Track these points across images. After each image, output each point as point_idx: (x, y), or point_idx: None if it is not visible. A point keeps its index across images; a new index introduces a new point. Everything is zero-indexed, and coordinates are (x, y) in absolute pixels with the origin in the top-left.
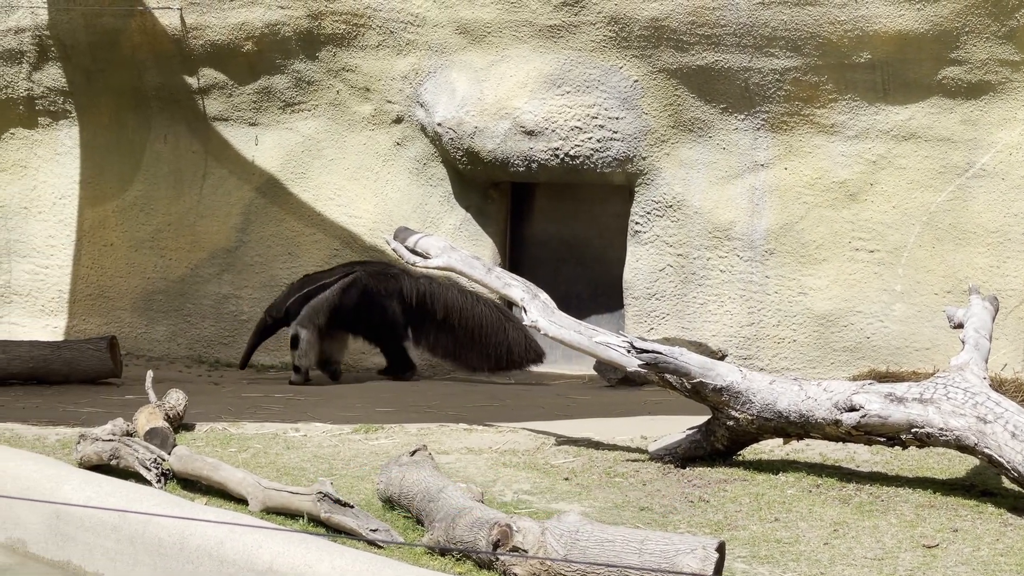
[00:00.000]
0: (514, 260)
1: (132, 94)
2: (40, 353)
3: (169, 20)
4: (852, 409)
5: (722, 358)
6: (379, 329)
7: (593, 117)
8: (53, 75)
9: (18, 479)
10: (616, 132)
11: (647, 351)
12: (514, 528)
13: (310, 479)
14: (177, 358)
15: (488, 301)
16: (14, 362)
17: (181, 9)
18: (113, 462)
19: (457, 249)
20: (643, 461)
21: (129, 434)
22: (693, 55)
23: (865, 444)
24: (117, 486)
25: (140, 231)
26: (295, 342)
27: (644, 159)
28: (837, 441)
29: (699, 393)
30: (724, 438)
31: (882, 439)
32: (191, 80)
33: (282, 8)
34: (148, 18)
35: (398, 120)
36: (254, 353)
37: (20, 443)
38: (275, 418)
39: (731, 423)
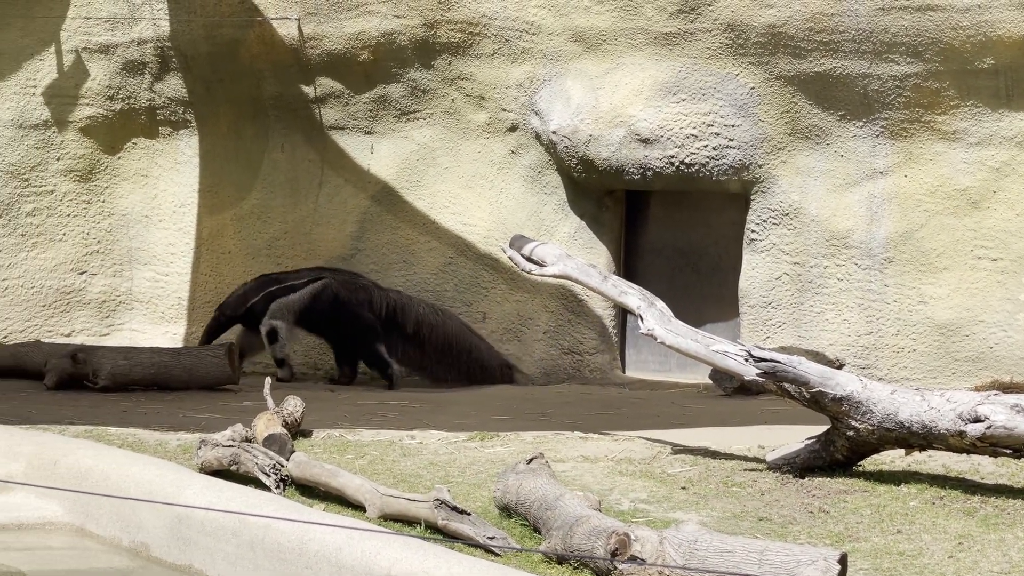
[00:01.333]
0: (629, 268)
1: (250, 104)
2: (161, 359)
3: (287, 30)
4: (977, 420)
5: (840, 367)
6: (350, 335)
7: (709, 125)
8: (174, 85)
9: (141, 483)
10: (732, 140)
11: (765, 360)
12: (632, 537)
13: (427, 486)
14: (295, 365)
15: (456, 317)
16: (136, 368)
17: (299, 19)
18: (233, 467)
19: (573, 257)
20: (761, 471)
21: (248, 440)
22: (811, 62)
23: (990, 456)
24: (237, 491)
25: (257, 239)
26: (273, 336)
27: (760, 167)
28: (961, 453)
29: (818, 403)
30: (844, 448)
31: (1008, 451)
32: (308, 89)
33: (398, 17)
34: (267, 28)
35: (513, 128)
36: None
37: (143, 448)
38: (391, 425)
39: (851, 433)
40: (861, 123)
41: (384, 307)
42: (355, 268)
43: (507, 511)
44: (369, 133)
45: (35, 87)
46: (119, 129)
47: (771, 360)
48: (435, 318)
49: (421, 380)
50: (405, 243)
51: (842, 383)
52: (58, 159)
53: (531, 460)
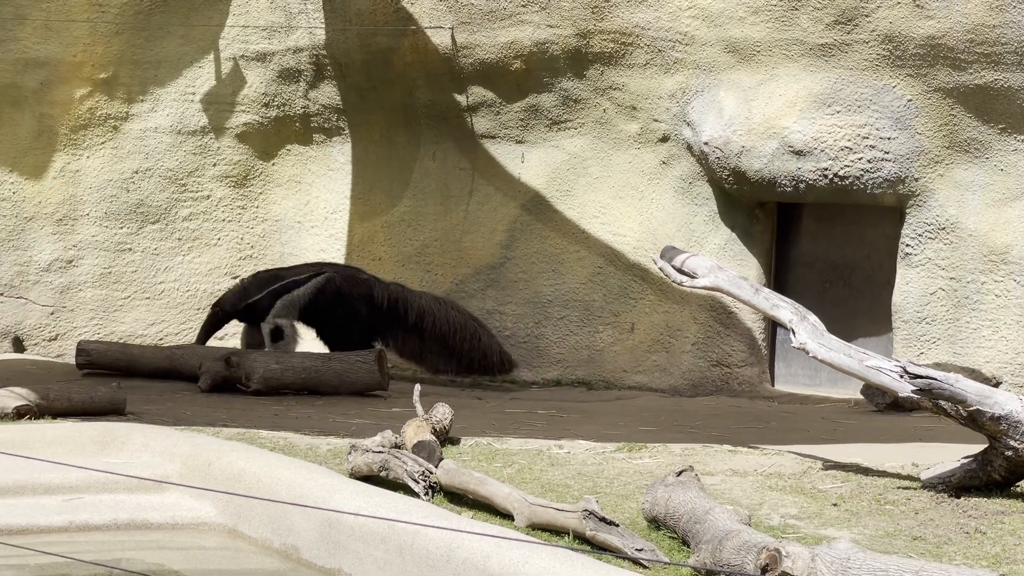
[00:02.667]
0: (779, 281)
1: (403, 112)
2: (312, 364)
3: (440, 39)
4: None
5: (996, 385)
6: (347, 329)
7: (864, 137)
8: (328, 93)
9: (292, 487)
10: (888, 152)
11: (921, 376)
12: (783, 553)
13: (574, 496)
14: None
15: (461, 308)
16: (287, 372)
17: (452, 28)
18: (382, 473)
19: (724, 269)
20: (915, 489)
21: (397, 446)
22: (970, 74)
23: None
24: (386, 497)
25: (407, 246)
26: (278, 334)
27: (916, 180)
28: None
29: (975, 421)
30: (1002, 468)
31: None
32: (460, 98)
33: (551, 27)
34: (420, 37)
35: (664, 139)
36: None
37: (293, 452)
38: (538, 434)
39: (1009, 453)
40: (1022, 137)
41: (386, 300)
42: (505, 275)
43: (655, 523)
44: (520, 142)
45: (194, 94)
46: (274, 136)
47: (927, 377)
48: (438, 309)
49: (419, 371)
50: (554, 252)
51: (1000, 402)
52: (214, 165)
53: (680, 472)
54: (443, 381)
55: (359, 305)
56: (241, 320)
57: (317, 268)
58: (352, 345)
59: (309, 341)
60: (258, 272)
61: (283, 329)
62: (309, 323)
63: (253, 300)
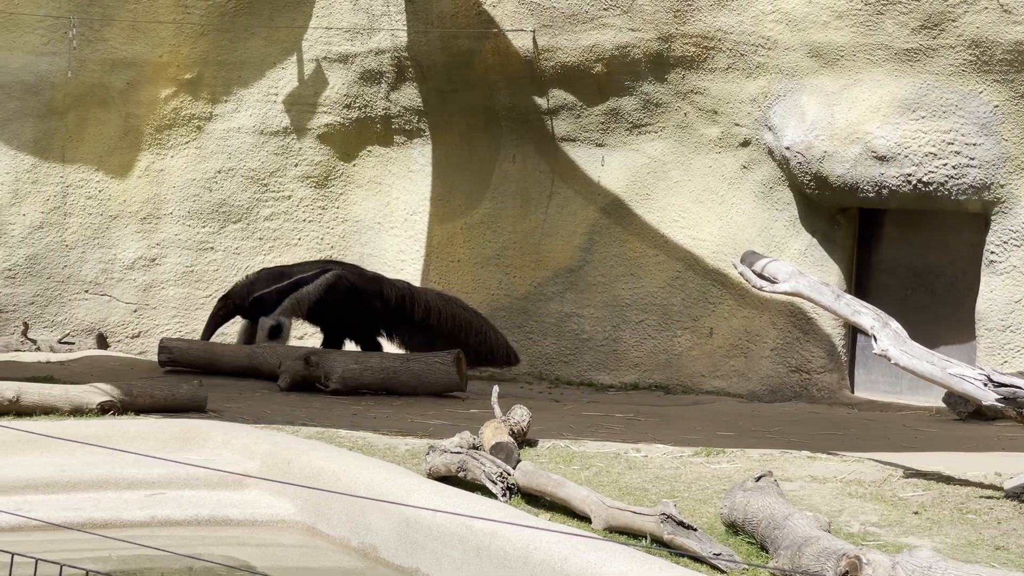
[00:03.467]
0: (860, 287)
1: (483, 114)
2: (390, 365)
3: (522, 42)
4: None
5: None
6: (356, 325)
7: (949, 143)
8: (409, 95)
9: (371, 486)
10: (973, 159)
11: (1006, 385)
12: (863, 560)
13: (652, 500)
14: (518, 374)
15: (466, 305)
16: (366, 372)
17: (534, 31)
18: (460, 474)
19: (805, 275)
20: (998, 499)
21: (475, 447)
22: None
23: None
24: (464, 498)
25: (486, 248)
26: (277, 332)
27: (1002, 187)
28: None
29: None
30: None
31: None
32: (540, 101)
33: (633, 31)
34: (502, 40)
35: (745, 143)
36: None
37: (372, 451)
38: (616, 437)
39: None
40: None
41: (394, 296)
42: (584, 278)
43: (733, 528)
44: (600, 145)
45: (276, 95)
46: (355, 137)
47: (1011, 385)
48: (443, 305)
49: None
50: (633, 256)
51: None
52: (296, 165)
53: (759, 478)
54: (521, 383)
55: (372, 301)
56: (244, 315)
57: (323, 265)
58: (361, 341)
59: (310, 338)
60: (265, 268)
61: (282, 327)
62: (315, 320)
63: (260, 295)
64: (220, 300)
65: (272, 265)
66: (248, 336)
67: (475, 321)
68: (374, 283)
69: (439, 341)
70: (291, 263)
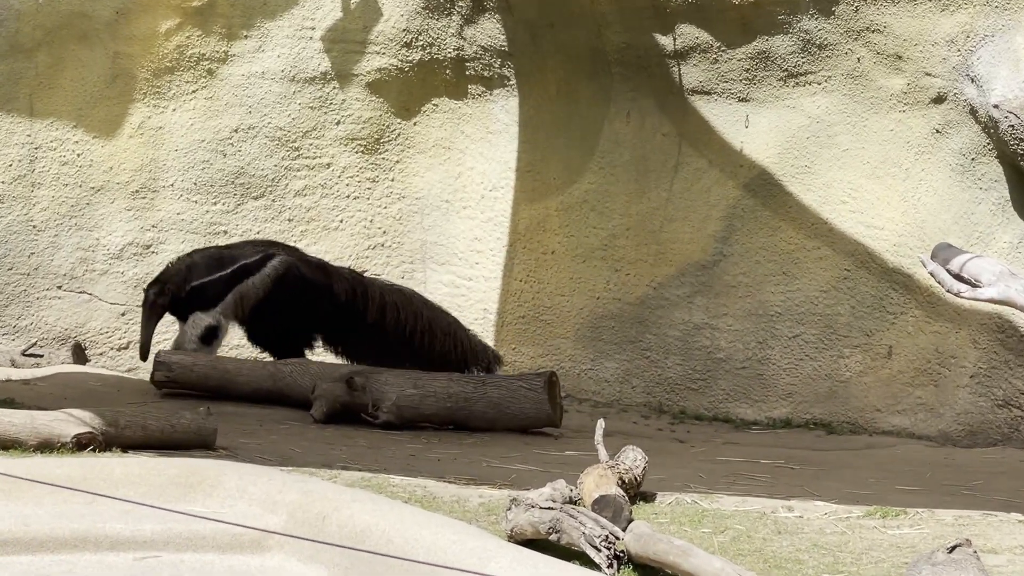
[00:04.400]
0: None
1: (588, 57)
2: (460, 390)
3: None
4: None
5: None
6: (295, 331)
7: None
8: (489, 31)
9: (433, 551)
10: None
11: None
12: None
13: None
14: (631, 405)
15: (430, 303)
16: (427, 400)
17: None
18: (552, 537)
19: (1018, 276)
20: None
21: (572, 501)
22: None
23: None
24: (558, 569)
25: (590, 236)
26: (213, 334)
27: None
28: None
29: None
30: None
31: None
32: (665, 40)
33: None
34: None
35: (938, 99)
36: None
37: (435, 505)
38: (761, 491)
39: None
40: None
41: (344, 291)
42: (720, 278)
43: None
44: (744, 100)
45: (312, 29)
46: (416, 86)
47: None
48: (402, 301)
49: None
50: (786, 249)
51: None
52: (337, 123)
53: (953, 548)
54: (635, 415)
55: (320, 299)
56: (174, 310)
57: (263, 248)
58: (294, 350)
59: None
60: (202, 248)
61: (220, 328)
62: (252, 324)
63: (200, 283)
64: (154, 285)
65: (208, 246)
66: (146, 308)
67: (440, 320)
68: (322, 274)
69: (397, 349)
70: (226, 244)
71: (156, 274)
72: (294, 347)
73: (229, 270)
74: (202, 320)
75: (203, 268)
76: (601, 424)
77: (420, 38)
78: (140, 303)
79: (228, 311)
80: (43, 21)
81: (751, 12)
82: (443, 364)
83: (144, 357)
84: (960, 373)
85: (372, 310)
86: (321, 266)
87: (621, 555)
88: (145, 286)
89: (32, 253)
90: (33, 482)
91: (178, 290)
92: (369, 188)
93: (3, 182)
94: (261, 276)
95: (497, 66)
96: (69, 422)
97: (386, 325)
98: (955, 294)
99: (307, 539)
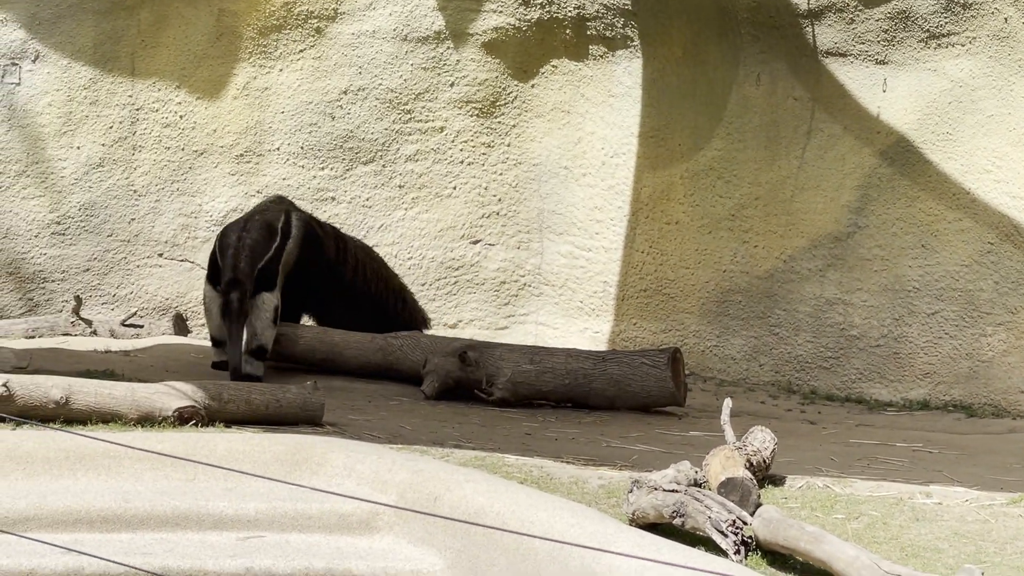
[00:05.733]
0: None
1: (715, 17)
2: (579, 367)
3: None
4: None
5: None
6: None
7: None
8: None
9: (550, 535)
10: None
11: None
12: None
13: (948, 565)
14: (758, 384)
15: (384, 261)
16: (544, 376)
17: None
18: (676, 521)
19: None
20: None
21: (697, 484)
22: None
23: None
24: (682, 553)
25: (716, 206)
26: (277, 314)
27: None
28: None
29: None
30: None
31: None
32: None
33: None
34: None
35: None
36: None
37: (552, 486)
38: (897, 475)
39: None
40: None
41: (332, 248)
42: (854, 251)
43: None
44: (882, 63)
45: None
46: (534, 46)
47: None
48: (367, 259)
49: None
50: (925, 220)
51: None
52: (451, 85)
53: None
54: (762, 395)
55: (321, 258)
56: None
57: (281, 206)
58: (294, 316)
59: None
60: (243, 221)
61: (279, 306)
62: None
63: (263, 265)
64: (235, 288)
65: (244, 217)
66: (234, 315)
67: (394, 280)
68: (322, 231)
69: (360, 312)
70: (255, 209)
71: (224, 270)
72: (294, 313)
73: (278, 240)
74: (270, 301)
75: (262, 245)
76: (728, 403)
77: None
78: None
79: (273, 283)
80: None
81: None
82: (391, 325)
83: (238, 374)
84: None
85: (348, 269)
86: (319, 223)
87: (749, 541)
88: (221, 289)
89: (132, 219)
90: (142, 452)
91: (247, 279)
92: (484, 153)
93: (103, 145)
94: (293, 240)
95: (620, 26)
96: (171, 395)
97: (357, 285)
98: None
99: (420, 512)
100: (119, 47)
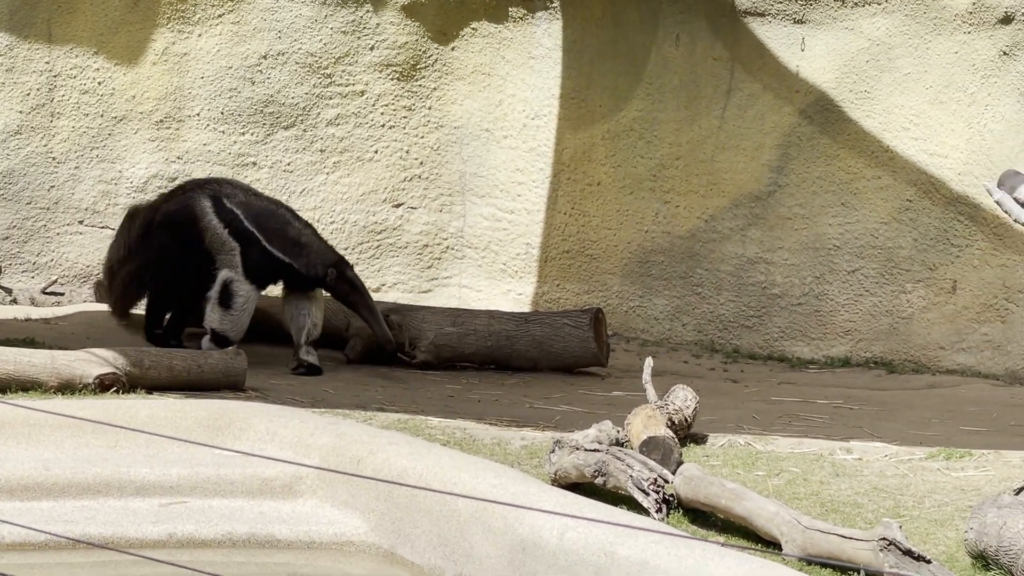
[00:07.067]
0: None
1: None
2: (501, 328)
3: None
4: None
5: None
6: None
7: None
8: None
9: (473, 495)
10: None
11: None
12: None
13: (867, 520)
14: (681, 343)
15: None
16: (467, 338)
17: None
18: (598, 480)
19: None
20: None
21: (619, 443)
22: None
23: None
24: (604, 514)
25: (637, 166)
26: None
27: None
28: None
29: None
30: None
31: None
32: None
33: None
34: None
35: (1005, 20)
36: None
37: (474, 447)
38: (818, 432)
39: None
40: None
41: None
42: (775, 210)
43: (983, 560)
44: (800, 22)
45: None
46: (454, 9)
47: None
48: None
49: None
50: (845, 178)
51: None
52: (371, 48)
53: (1020, 490)
54: (685, 354)
55: None
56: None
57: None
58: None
59: None
60: (269, 207)
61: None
62: None
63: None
64: (335, 266)
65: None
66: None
67: None
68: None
69: None
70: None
71: (329, 250)
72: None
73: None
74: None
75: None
76: (649, 363)
77: None
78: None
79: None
80: None
81: None
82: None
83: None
84: None
85: None
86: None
87: (670, 499)
88: (326, 269)
89: (52, 187)
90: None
91: None
92: (405, 117)
93: (20, 112)
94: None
95: None
96: (91, 362)
97: None
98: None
99: (342, 473)
100: (35, 12)
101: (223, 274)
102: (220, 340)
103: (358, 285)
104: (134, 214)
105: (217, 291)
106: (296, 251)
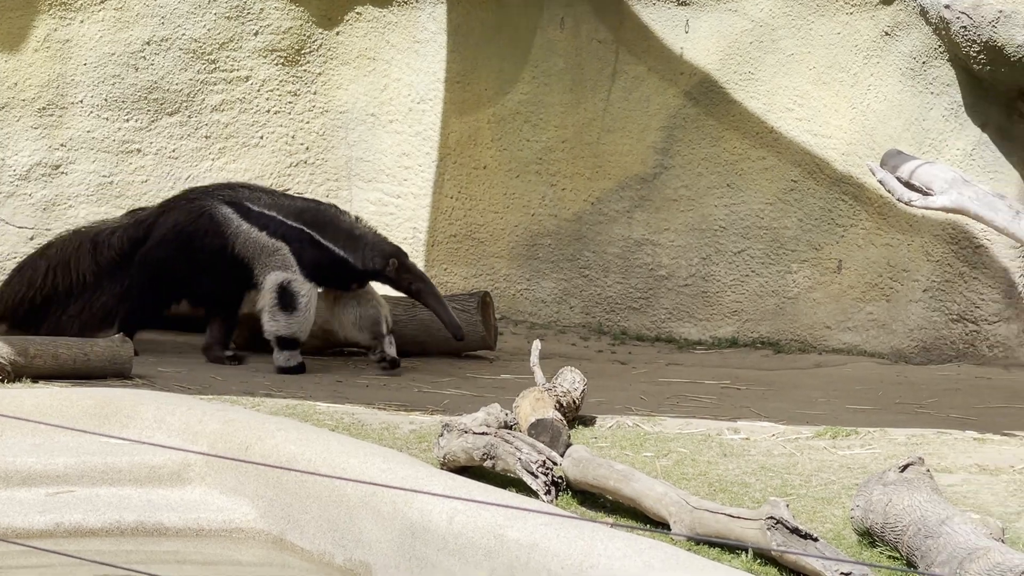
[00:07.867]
0: None
1: None
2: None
3: None
4: None
5: None
6: None
7: None
8: None
9: (362, 480)
10: None
11: None
12: None
13: (755, 499)
14: (569, 326)
15: None
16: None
17: None
18: (487, 463)
19: (971, 183)
20: None
21: (508, 426)
22: None
23: None
24: (493, 496)
25: (524, 149)
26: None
27: None
28: None
29: None
30: None
31: None
32: None
33: None
34: None
35: (888, 0)
36: None
37: (364, 432)
38: (706, 413)
39: None
40: None
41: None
42: (661, 192)
43: (868, 537)
44: (684, 4)
45: None
46: None
47: None
48: None
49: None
50: (730, 159)
51: None
52: (256, 34)
53: (905, 467)
54: (573, 337)
55: None
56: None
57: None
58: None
59: None
60: (312, 206)
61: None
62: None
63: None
64: (393, 258)
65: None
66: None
67: None
68: None
69: None
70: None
71: (384, 241)
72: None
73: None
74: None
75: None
76: (537, 346)
77: None
78: (50, 227)
79: None
80: None
81: None
82: None
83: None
84: (913, 287)
85: None
86: None
87: (559, 481)
88: (386, 261)
89: None
90: None
91: None
92: (290, 102)
93: None
94: None
95: None
96: None
97: None
98: (906, 203)
99: (230, 459)
100: None
101: (272, 277)
102: (289, 344)
103: (420, 274)
104: (77, 243)
105: (273, 296)
106: (351, 244)
